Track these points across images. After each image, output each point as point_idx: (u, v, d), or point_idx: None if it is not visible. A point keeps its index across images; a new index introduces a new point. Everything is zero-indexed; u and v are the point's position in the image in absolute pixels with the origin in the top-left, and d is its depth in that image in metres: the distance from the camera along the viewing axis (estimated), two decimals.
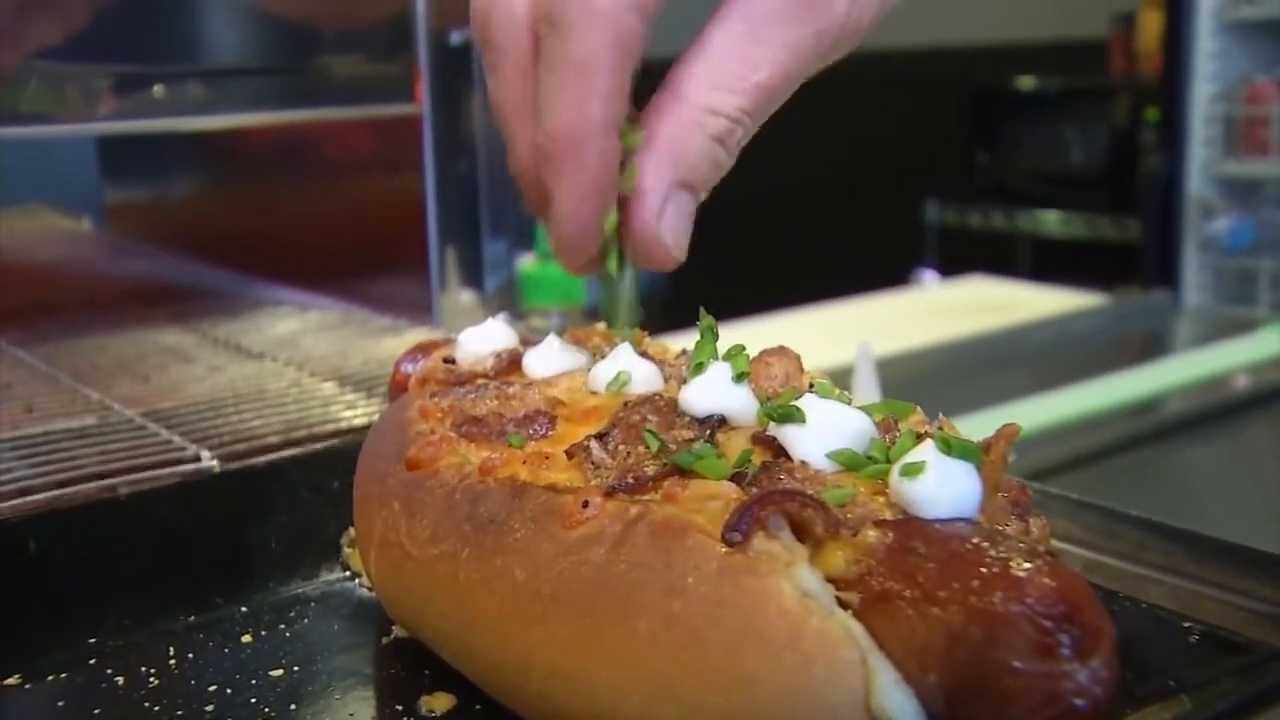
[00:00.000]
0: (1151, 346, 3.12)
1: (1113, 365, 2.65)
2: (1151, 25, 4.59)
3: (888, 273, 3.75)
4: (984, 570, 0.66)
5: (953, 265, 4.05)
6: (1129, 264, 4.34)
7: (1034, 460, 2.04)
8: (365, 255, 2.09)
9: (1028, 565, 0.66)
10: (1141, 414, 2.48)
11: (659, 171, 0.78)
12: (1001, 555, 0.67)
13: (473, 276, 2.01)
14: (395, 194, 2.01)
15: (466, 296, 2.02)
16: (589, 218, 0.77)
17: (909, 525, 0.69)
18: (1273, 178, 4.10)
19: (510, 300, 2.11)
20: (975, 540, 0.68)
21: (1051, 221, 4.96)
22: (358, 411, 1.39)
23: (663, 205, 0.78)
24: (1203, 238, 4.12)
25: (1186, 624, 0.78)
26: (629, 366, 0.90)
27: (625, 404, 0.85)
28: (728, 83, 0.78)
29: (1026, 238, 5.10)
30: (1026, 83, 5.19)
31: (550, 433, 0.86)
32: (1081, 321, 3.11)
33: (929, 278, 3.71)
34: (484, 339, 1.00)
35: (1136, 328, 3.21)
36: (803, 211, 6.35)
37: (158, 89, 1.70)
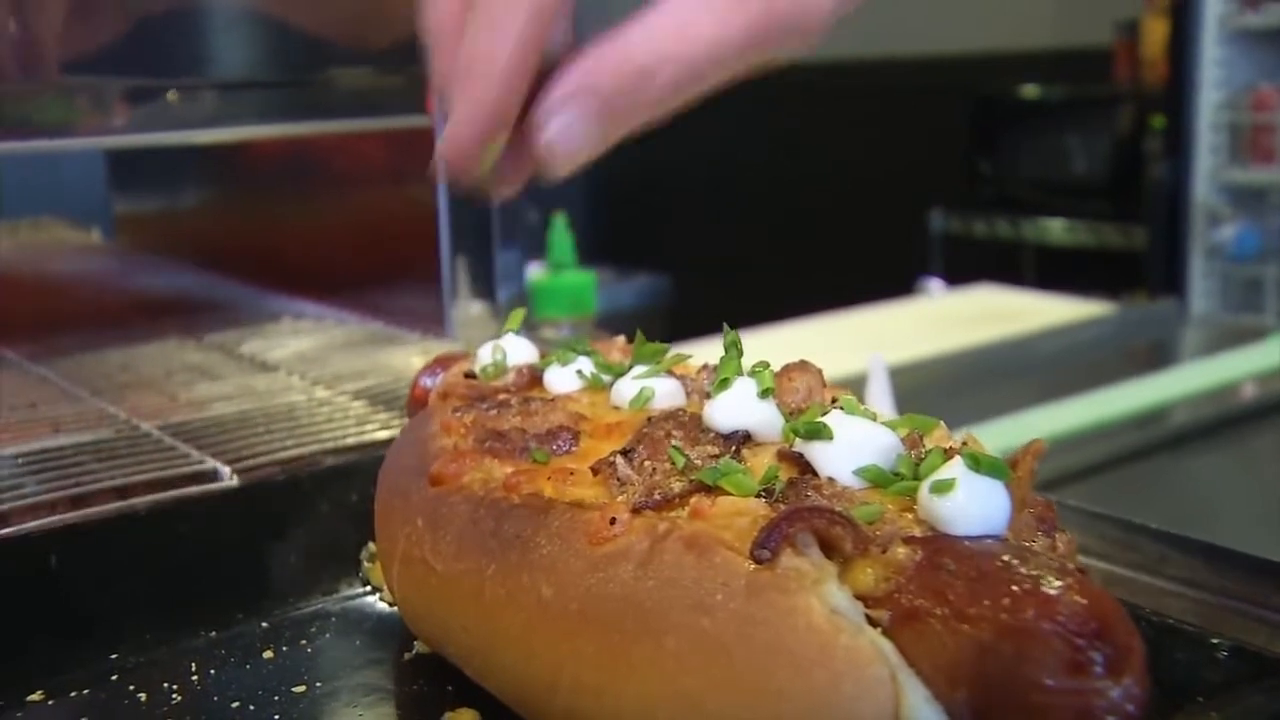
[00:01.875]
0: (1159, 355, 3.12)
1: (1120, 374, 2.65)
2: (1156, 33, 4.59)
3: (893, 282, 3.75)
4: (1014, 587, 0.66)
5: (958, 274, 4.05)
6: (1135, 272, 4.33)
7: (1043, 470, 2.03)
8: (376, 267, 2.09)
9: (1058, 582, 0.66)
10: (1149, 423, 2.47)
11: (567, 79, 0.77)
12: (1031, 572, 0.67)
13: (484, 287, 2.01)
14: (406, 206, 2.01)
15: (478, 308, 2.02)
16: (472, 136, 0.78)
17: (938, 542, 0.69)
18: (1279, 185, 4.10)
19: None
20: (1005, 557, 0.68)
21: (1057, 230, 4.95)
22: (377, 426, 1.39)
23: (559, 107, 0.77)
24: (1209, 245, 4.12)
25: (1214, 640, 0.78)
26: (653, 383, 0.90)
27: (649, 420, 0.85)
28: (659, 36, 0.78)
29: (1032, 246, 5.10)
30: (1031, 91, 5.19)
31: (574, 448, 0.86)
32: (1088, 330, 3.11)
33: (935, 287, 3.71)
34: (511, 350, 1.01)
35: (1143, 336, 3.21)
36: (807, 221, 6.35)
37: (168, 101, 1.70)
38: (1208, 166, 4.15)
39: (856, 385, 2.04)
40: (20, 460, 1.24)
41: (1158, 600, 0.97)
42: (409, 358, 1.70)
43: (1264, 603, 0.95)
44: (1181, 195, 4.16)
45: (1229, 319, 3.89)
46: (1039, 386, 2.64)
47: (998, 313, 3.23)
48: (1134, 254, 4.51)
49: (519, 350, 1.02)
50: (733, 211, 6.56)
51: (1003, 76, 5.35)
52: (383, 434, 1.34)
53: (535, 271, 2.52)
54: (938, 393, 2.53)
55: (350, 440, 1.32)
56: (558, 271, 2.58)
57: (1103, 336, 3.11)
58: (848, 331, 3.04)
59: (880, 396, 1.80)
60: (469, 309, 2.00)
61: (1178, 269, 4.11)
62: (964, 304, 3.45)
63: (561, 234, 2.65)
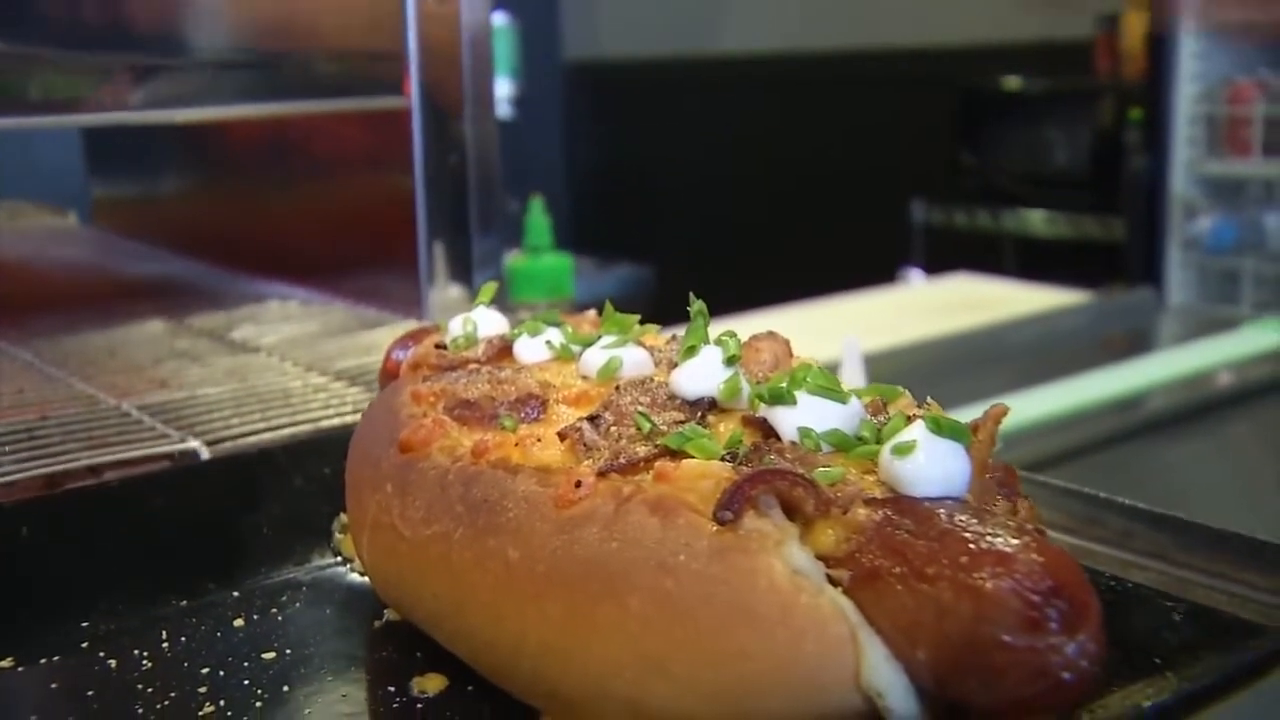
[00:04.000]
0: (1136, 343, 3.14)
1: (1097, 362, 2.67)
2: (1135, 26, 4.61)
3: (873, 273, 3.76)
4: (972, 547, 0.67)
5: (938, 265, 4.06)
6: (1113, 263, 4.35)
7: (1019, 455, 2.05)
8: (354, 250, 2.09)
9: (1015, 541, 0.67)
10: (1126, 410, 2.49)
11: None
12: (989, 532, 0.68)
13: (461, 271, 2.02)
14: (384, 189, 2.02)
15: (455, 291, 2.02)
16: None
17: (898, 503, 0.70)
18: (1255, 177, 4.12)
19: (499, 294, 2.11)
20: (963, 518, 0.69)
21: (1036, 221, 4.96)
22: (348, 403, 1.39)
23: None
24: (1186, 237, 4.14)
25: (1170, 602, 0.79)
26: (621, 352, 0.91)
27: (617, 387, 0.86)
28: None
29: (1012, 237, 5.11)
30: (1012, 83, 5.20)
31: (542, 416, 0.87)
32: (1066, 319, 3.13)
33: (915, 277, 3.72)
34: (482, 322, 1.01)
35: (1121, 325, 3.23)
36: (789, 211, 6.36)
37: (144, 80, 1.70)
38: (1185, 159, 4.16)
39: (833, 370, 2.05)
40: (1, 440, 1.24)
41: (1122, 572, 0.98)
42: (384, 337, 1.71)
43: (1224, 574, 0.96)
44: (1159, 187, 4.17)
45: (1205, 309, 3.91)
46: (1016, 373, 2.66)
47: (976, 301, 3.24)
48: (1112, 245, 4.53)
49: (489, 322, 1.03)
50: (715, 201, 6.57)
51: (985, 69, 5.36)
52: (355, 410, 1.34)
53: (515, 256, 2.52)
54: (916, 379, 2.54)
55: (322, 417, 1.32)
56: (535, 255, 2.58)
57: (1080, 325, 3.13)
58: (827, 319, 3.06)
59: (853, 377, 1.81)
60: (447, 293, 2.00)
61: (1155, 260, 4.13)
62: (942, 292, 3.47)
63: (539, 217, 2.65)
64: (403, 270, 1.97)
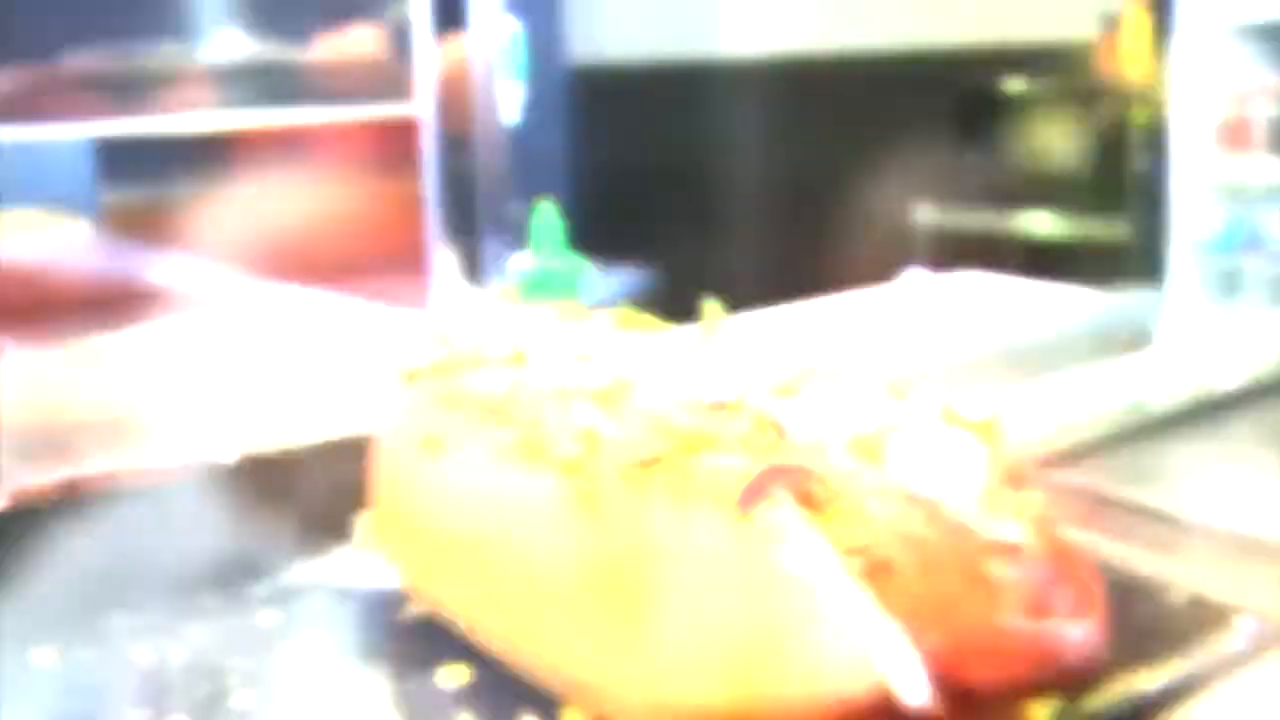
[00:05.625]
0: (1139, 343, 3.16)
1: (1101, 361, 2.68)
2: (1139, 27, 4.63)
3: (878, 275, 3.78)
4: (981, 538, 0.69)
5: (942, 266, 4.08)
6: (1117, 263, 4.38)
7: (1024, 453, 2.07)
8: (364, 255, 2.12)
9: (1023, 533, 0.69)
10: (1129, 409, 2.51)
11: None
12: (998, 524, 0.70)
13: (472, 275, 2.05)
14: (394, 194, 2.04)
15: (466, 294, 2.05)
16: None
17: (910, 497, 0.73)
18: (1260, 178, 4.15)
19: (509, 297, 2.14)
20: (973, 510, 0.71)
21: (1042, 222, 4.99)
22: (372, 404, 1.41)
23: None
24: (1191, 238, 4.16)
25: (1174, 590, 0.82)
26: (636, 352, 0.93)
27: (632, 386, 0.88)
28: None
29: (1017, 239, 5.13)
30: (1016, 84, 5.22)
31: (560, 415, 0.89)
32: (1069, 317, 3.15)
33: (919, 278, 3.74)
34: (497, 322, 1.04)
35: (1124, 324, 3.25)
36: (793, 214, 6.38)
37: (153, 88, 1.73)
38: (1189, 160, 4.19)
39: (840, 369, 2.07)
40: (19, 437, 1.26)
41: (1125, 566, 1.00)
42: (406, 342, 1.73)
43: (1227, 570, 0.98)
44: (1162, 188, 4.20)
45: (1210, 309, 3.93)
46: (1020, 372, 2.68)
47: (980, 300, 3.26)
48: (1117, 246, 4.55)
49: (504, 324, 1.05)
50: (721, 203, 6.60)
51: (987, 70, 5.39)
52: (379, 413, 1.36)
53: (523, 258, 2.55)
54: (923, 377, 2.56)
55: (350, 420, 1.34)
56: (546, 258, 2.61)
57: (1084, 324, 3.15)
58: (833, 319, 3.07)
59: (861, 376, 1.83)
60: (457, 296, 2.03)
61: (1160, 261, 4.15)
62: (946, 292, 3.49)
63: (549, 220, 2.68)
64: (413, 274, 2.00)
